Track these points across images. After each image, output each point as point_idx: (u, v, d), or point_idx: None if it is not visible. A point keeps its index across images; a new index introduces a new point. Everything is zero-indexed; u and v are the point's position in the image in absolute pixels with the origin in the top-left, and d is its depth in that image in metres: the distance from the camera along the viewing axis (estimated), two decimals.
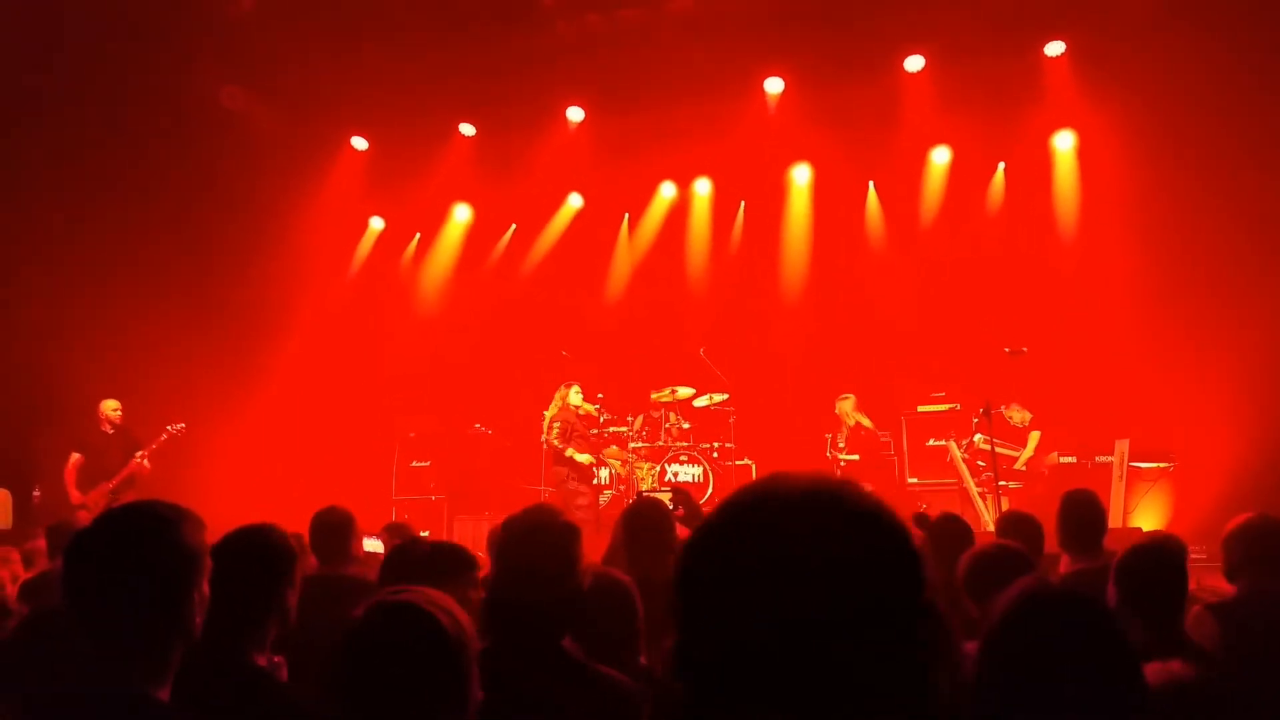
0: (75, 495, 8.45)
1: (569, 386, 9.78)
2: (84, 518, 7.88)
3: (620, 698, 2.03)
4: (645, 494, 8.08)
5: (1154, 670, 2.03)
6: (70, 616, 1.61)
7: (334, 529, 3.67)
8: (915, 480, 9.88)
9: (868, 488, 0.91)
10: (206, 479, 9.26)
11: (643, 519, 3.58)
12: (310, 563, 3.90)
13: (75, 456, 8.57)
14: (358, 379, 11.42)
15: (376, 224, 12.26)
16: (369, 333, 11.73)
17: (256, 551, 2.22)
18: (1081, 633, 1.49)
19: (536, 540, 2.15)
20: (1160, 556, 2.74)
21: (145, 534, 1.68)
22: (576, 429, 9.68)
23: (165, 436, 8.84)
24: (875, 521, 0.87)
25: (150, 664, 1.62)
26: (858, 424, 9.78)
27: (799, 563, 0.82)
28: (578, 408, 9.78)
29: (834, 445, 9.94)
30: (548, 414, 9.76)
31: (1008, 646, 1.52)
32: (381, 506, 10.84)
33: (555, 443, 9.50)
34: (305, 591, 3.22)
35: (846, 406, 9.82)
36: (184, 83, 9.04)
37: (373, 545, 4.76)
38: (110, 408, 8.76)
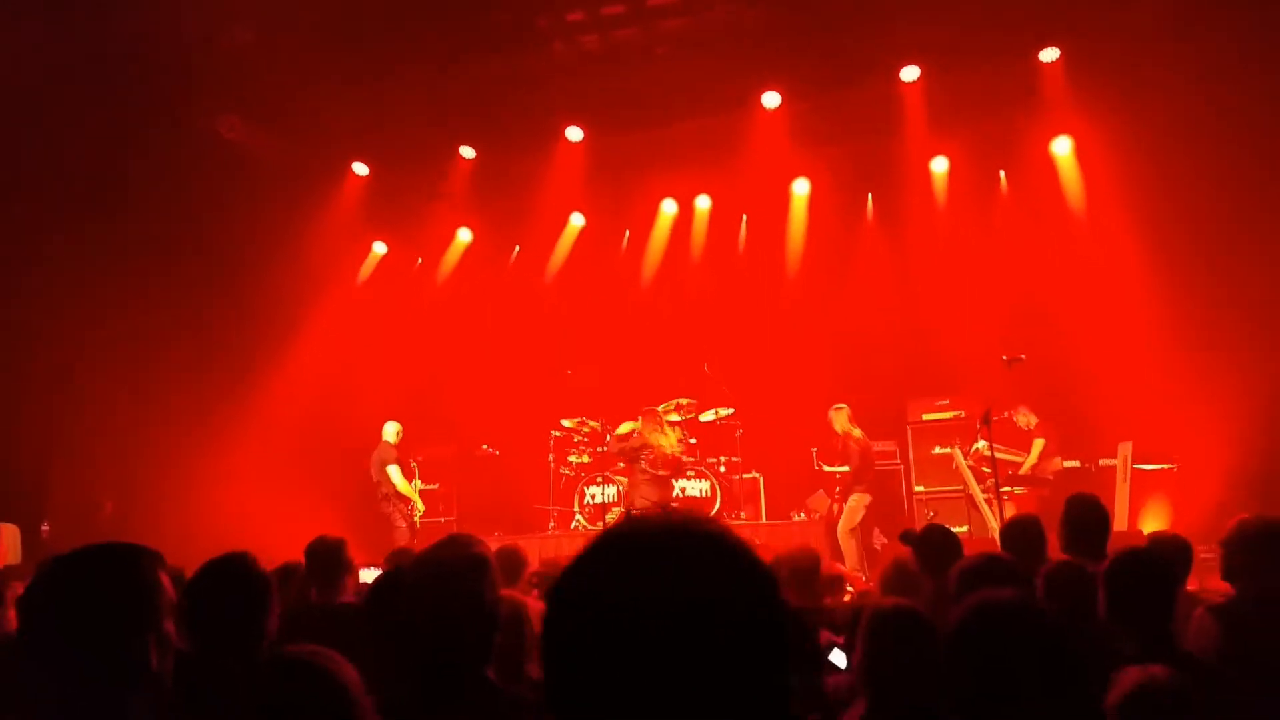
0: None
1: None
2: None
3: None
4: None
5: (1133, 674, 2.03)
6: (29, 659, 1.61)
7: (324, 557, 3.70)
8: (922, 488, 9.93)
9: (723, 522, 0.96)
10: (215, 507, 9.31)
11: None
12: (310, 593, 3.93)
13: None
14: (364, 405, 11.47)
15: (379, 249, 12.35)
16: (373, 358, 11.78)
17: (232, 580, 2.23)
18: (1025, 643, 1.50)
19: (441, 574, 2.18)
20: (1144, 564, 2.73)
21: (100, 575, 1.68)
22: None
23: None
24: (728, 550, 0.90)
25: (110, 708, 1.61)
26: (847, 434, 9.25)
27: (658, 599, 0.85)
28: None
29: (820, 458, 9.94)
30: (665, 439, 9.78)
31: (959, 658, 1.53)
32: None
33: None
34: (301, 621, 3.24)
35: (840, 418, 9.32)
36: (182, 114, 9.10)
37: (372, 576, 4.76)
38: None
